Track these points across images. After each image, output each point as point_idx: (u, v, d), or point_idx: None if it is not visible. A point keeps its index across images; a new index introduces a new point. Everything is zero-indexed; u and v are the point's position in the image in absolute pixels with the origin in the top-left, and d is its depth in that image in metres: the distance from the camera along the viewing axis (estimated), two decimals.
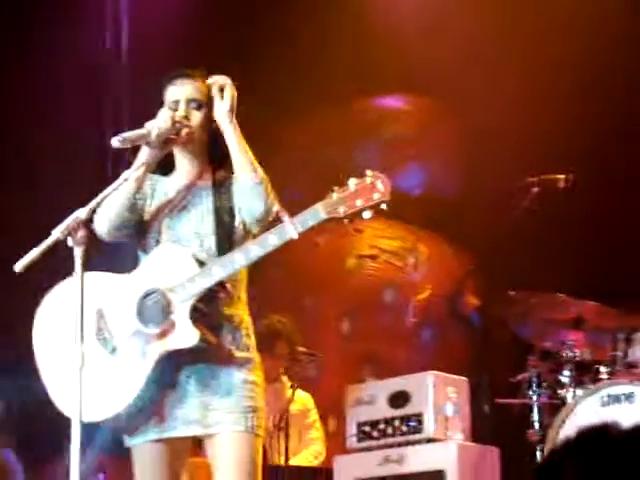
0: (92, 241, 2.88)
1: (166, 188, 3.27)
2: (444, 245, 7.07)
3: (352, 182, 2.96)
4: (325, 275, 7.20)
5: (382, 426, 4.93)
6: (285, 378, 5.48)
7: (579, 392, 4.58)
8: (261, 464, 3.15)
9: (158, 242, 3.19)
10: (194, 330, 3.03)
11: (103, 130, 6.47)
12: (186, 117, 3.19)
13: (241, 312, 3.19)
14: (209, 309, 3.09)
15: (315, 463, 5.47)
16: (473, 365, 5.99)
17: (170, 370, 3.09)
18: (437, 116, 6.98)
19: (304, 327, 5.75)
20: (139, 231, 3.23)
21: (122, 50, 6.84)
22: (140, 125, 3.11)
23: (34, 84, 6.27)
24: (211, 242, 3.17)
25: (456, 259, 6.89)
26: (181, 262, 3.09)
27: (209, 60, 3.33)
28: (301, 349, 5.37)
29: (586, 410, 4.39)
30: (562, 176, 4.88)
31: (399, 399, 4.91)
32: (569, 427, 4.37)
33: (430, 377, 4.87)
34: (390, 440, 4.90)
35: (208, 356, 3.09)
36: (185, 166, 3.27)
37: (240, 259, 3.04)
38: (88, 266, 2.80)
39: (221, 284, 3.10)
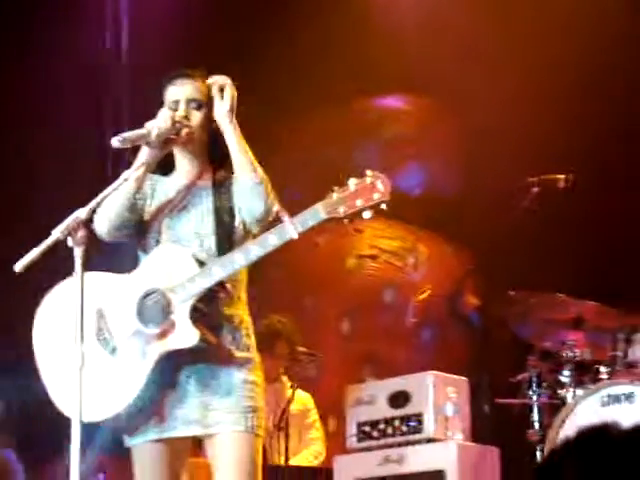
0: (92, 241, 2.88)
1: (166, 188, 3.27)
2: (444, 245, 7.07)
3: (352, 182, 2.96)
4: (325, 275, 7.19)
5: (382, 426, 4.93)
6: (285, 378, 5.48)
7: (579, 392, 4.58)
8: (261, 464, 3.15)
9: (158, 242, 3.19)
10: (194, 330, 3.03)
11: (103, 130, 6.47)
12: (186, 117, 3.19)
13: (241, 312, 3.19)
14: (209, 309, 3.09)
15: (315, 463, 5.47)
16: (473, 365, 5.99)
17: (170, 370, 3.09)
18: (437, 116, 6.98)
19: (304, 327, 5.75)
20: (139, 231, 3.23)
21: (122, 50, 6.84)
22: (140, 125, 3.11)
23: (34, 84, 6.27)
24: (211, 242, 3.17)
25: (456, 259, 6.89)
26: (181, 262, 3.09)
27: (209, 60, 3.33)
28: (301, 349, 5.37)
29: (586, 410, 4.39)
30: (562, 176, 4.88)
31: (399, 399, 4.91)
32: (569, 427, 4.37)
33: (430, 377, 4.87)
34: (390, 440, 4.90)
35: (208, 356, 3.09)
36: (185, 166, 3.27)
37: (240, 259, 3.04)
38: (88, 266, 2.80)
39: (221, 284, 3.10)
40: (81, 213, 2.82)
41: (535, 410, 4.72)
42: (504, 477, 4.89)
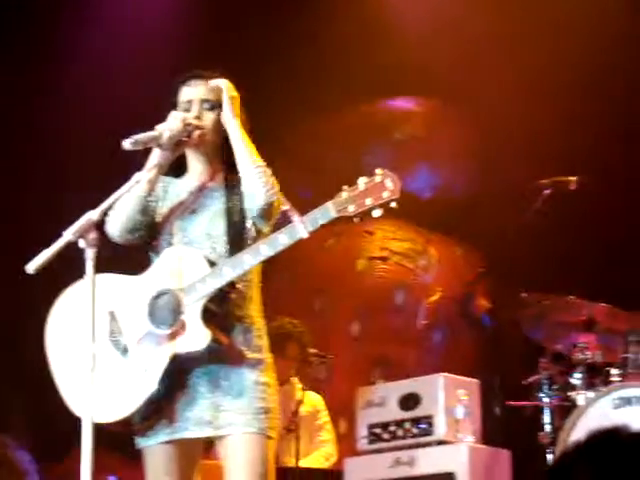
0: (104, 243, 2.88)
1: (178, 190, 3.27)
2: (455, 247, 7.07)
3: (362, 181, 2.96)
4: (336, 277, 7.20)
5: (393, 428, 4.93)
6: (295, 380, 5.48)
7: (590, 395, 4.57)
8: (274, 466, 3.15)
9: (170, 244, 3.19)
10: (205, 331, 3.03)
11: (114, 131, 6.47)
12: (198, 117, 3.19)
13: (253, 313, 3.18)
14: (220, 310, 3.09)
15: (326, 465, 5.47)
16: (484, 367, 5.98)
17: (181, 371, 3.09)
18: (448, 118, 6.98)
19: (315, 329, 5.75)
20: (151, 233, 3.24)
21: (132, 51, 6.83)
22: (150, 128, 3.11)
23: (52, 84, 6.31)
24: (223, 243, 3.17)
25: (467, 261, 6.88)
26: (192, 263, 3.09)
27: (221, 63, 3.33)
28: (312, 351, 5.37)
29: (597, 413, 4.37)
30: (574, 178, 4.87)
31: (410, 401, 4.90)
32: (580, 430, 4.36)
33: (441, 379, 4.86)
34: (401, 442, 4.89)
35: (220, 357, 3.09)
36: (197, 168, 3.28)
37: (250, 259, 3.04)
38: (98, 268, 2.80)
39: (232, 285, 3.09)
40: (93, 215, 2.82)
41: (546, 412, 4.71)
42: (515, 479, 4.88)
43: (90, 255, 2.76)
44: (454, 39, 6.34)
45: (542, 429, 4.70)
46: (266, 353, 3.18)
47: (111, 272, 3.15)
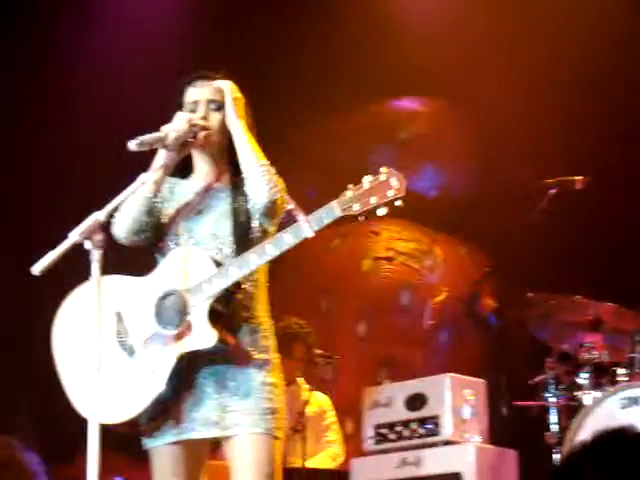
0: (110, 244, 2.88)
1: (184, 190, 3.27)
2: (460, 247, 7.07)
3: (366, 179, 2.96)
4: (342, 277, 7.20)
5: (399, 428, 4.93)
6: (302, 380, 5.48)
7: (597, 394, 4.56)
8: (280, 466, 3.15)
9: (176, 244, 3.19)
10: (212, 331, 3.03)
11: (119, 132, 6.48)
12: (205, 118, 3.19)
13: (260, 313, 3.18)
14: (227, 310, 3.09)
15: (333, 465, 5.47)
16: (490, 367, 5.98)
17: (188, 372, 3.09)
18: (453, 118, 6.98)
19: (321, 329, 5.75)
20: (157, 234, 3.24)
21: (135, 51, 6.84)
22: (155, 129, 3.11)
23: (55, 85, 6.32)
24: (229, 244, 3.17)
25: (472, 261, 6.88)
26: (198, 263, 3.09)
27: (228, 64, 3.33)
28: (318, 351, 5.37)
29: (604, 413, 4.37)
30: (579, 178, 4.87)
31: (416, 401, 4.90)
32: (587, 430, 4.36)
33: (447, 379, 4.86)
34: (407, 442, 4.89)
35: (226, 357, 3.09)
36: (203, 168, 3.27)
37: (255, 259, 3.03)
38: (104, 269, 2.80)
39: (239, 285, 3.09)
40: (99, 216, 2.82)
41: (553, 412, 4.71)
42: (522, 479, 4.87)
43: (96, 256, 2.77)
44: (457, 39, 6.34)
45: (549, 429, 4.70)
46: (273, 354, 3.18)
47: (117, 273, 3.15)
